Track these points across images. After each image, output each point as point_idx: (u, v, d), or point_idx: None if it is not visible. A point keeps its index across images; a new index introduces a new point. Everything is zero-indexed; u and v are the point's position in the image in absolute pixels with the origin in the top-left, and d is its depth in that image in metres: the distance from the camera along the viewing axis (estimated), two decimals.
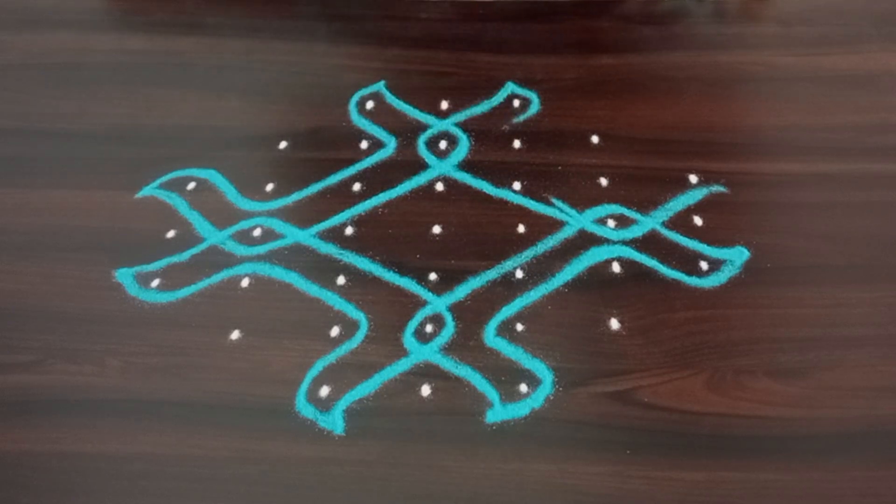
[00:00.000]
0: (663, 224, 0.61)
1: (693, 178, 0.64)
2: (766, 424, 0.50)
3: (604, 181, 0.64)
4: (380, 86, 0.73)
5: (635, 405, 0.51)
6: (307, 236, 0.62)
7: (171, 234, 0.62)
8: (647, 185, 0.64)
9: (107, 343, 0.56)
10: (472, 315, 0.56)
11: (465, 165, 0.64)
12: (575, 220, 0.62)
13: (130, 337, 0.56)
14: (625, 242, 0.60)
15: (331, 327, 0.56)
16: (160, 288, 0.59)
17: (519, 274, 0.58)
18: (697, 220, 0.61)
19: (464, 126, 0.69)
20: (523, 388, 0.52)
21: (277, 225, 0.63)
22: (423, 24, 0.78)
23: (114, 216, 0.64)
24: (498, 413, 0.51)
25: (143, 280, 0.59)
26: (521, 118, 0.69)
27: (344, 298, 0.57)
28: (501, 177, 0.65)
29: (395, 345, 0.55)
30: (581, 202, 0.63)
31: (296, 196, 0.65)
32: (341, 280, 0.59)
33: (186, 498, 0.48)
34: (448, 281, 0.58)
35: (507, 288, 0.58)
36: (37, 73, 0.77)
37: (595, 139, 0.67)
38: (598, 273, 0.58)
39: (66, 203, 0.65)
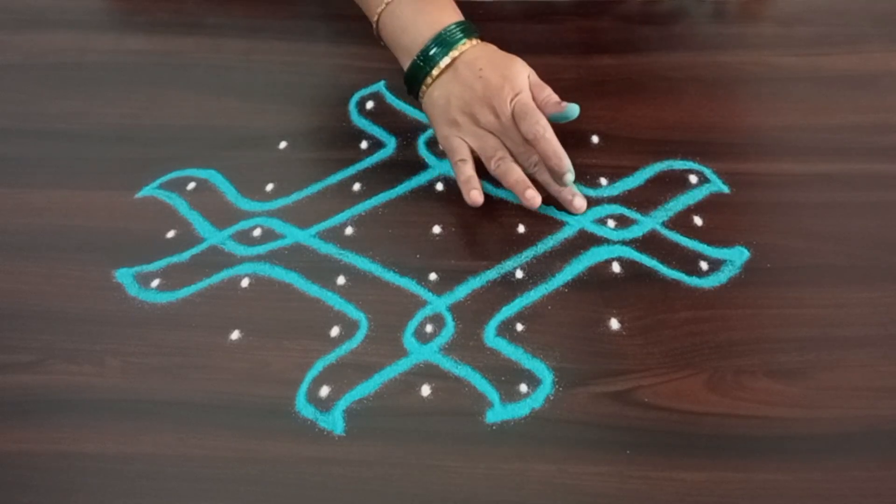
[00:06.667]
0: (663, 224, 0.61)
1: (693, 178, 0.64)
2: (766, 424, 0.50)
3: (604, 181, 0.64)
4: (380, 86, 0.73)
5: (635, 405, 0.51)
6: (307, 236, 0.62)
7: (171, 234, 0.62)
8: (647, 185, 0.64)
9: (107, 343, 0.56)
10: (472, 315, 0.56)
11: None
12: (575, 220, 0.61)
13: (130, 337, 0.56)
14: (625, 242, 0.60)
15: (331, 327, 0.56)
16: (160, 288, 0.59)
17: (519, 274, 0.58)
18: (697, 220, 0.61)
19: None
20: (523, 388, 0.52)
21: (277, 225, 0.63)
22: None
23: (114, 216, 0.64)
24: (498, 413, 0.51)
25: (143, 280, 0.59)
26: None
27: (344, 298, 0.57)
28: None
29: (395, 345, 0.55)
30: None
31: (296, 196, 0.65)
32: (341, 280, 0.59)
33: (186, 498, 0.48)
34: (448, 281, 0.58)
35: (507, 288, 0.58)
36: (37, 73, 0.77)
37: (595, 139, 0.67)
38: (598, 273, 0.58)
39: (66, 203, 0.65)
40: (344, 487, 0.48)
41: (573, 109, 0.61)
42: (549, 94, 0.61)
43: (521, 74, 0.62)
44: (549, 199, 0.62)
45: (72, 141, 0.70)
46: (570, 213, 0.62)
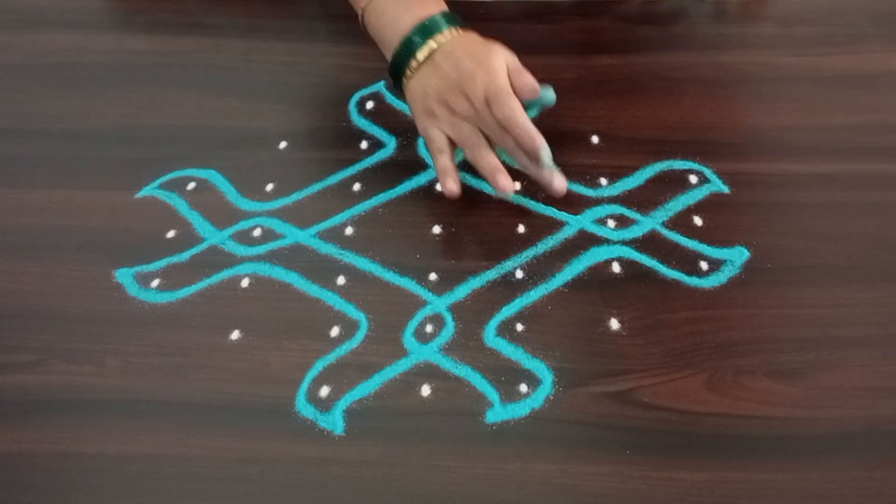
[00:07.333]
0: (663, 224, 0.61)
1: (693, 178, 0.64)
2: (766, 424, 0.50)
3: (604, 181, 0.64)
4: (380, 86, 0.73)
5: (635, 405, 0.51)
6: (307, 236, 0.62)
7: (171, 234, 0.62)
8: (647, 185, 0.64)
9: (107, 343, 0.56)
10: (472, 315, 0.56)
11: (466, 165, 0.64)
12: (575, 221, 0.61)
13: (130, 337, 0.56)
14: (625, 242, 0.60)
15: (331, 327, 0.56)
16: (160, 288, 0.59)
17: (519, 274, 0.58)
18: (697, 220, 0.61)
19: None
20: (523, 388, 0.52)
21: (277, 225, 0.63)
22: None
23: (114, 216, 0.64)
24: (498, 413, 0.51)
25: (143, 280, 0.59)
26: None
27: (344, 298, 0.57)
28: None
29: (395, 345, 0.55)
30: (581, 202, 0.63)
31: (296, 196, 0.65)
32: (341, 280, 0.59)
33: (186, 498, 0.48)
34: (448, 281, 0.58)
35: (507, 288, 0.58)
36: (37, 73, 0.77)
37: (595, 139, 0.67)
38: (598, 273, 0.58)
39: (66, 203, 0.65)
40: (344, 487, 0.48)
41: (549, 94, 0.61)
42: (525, 78, 0.61)
43: (496, 59, 0.61)
44: (549, 200, 0.62)
45: (72, 141, 0.70)
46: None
